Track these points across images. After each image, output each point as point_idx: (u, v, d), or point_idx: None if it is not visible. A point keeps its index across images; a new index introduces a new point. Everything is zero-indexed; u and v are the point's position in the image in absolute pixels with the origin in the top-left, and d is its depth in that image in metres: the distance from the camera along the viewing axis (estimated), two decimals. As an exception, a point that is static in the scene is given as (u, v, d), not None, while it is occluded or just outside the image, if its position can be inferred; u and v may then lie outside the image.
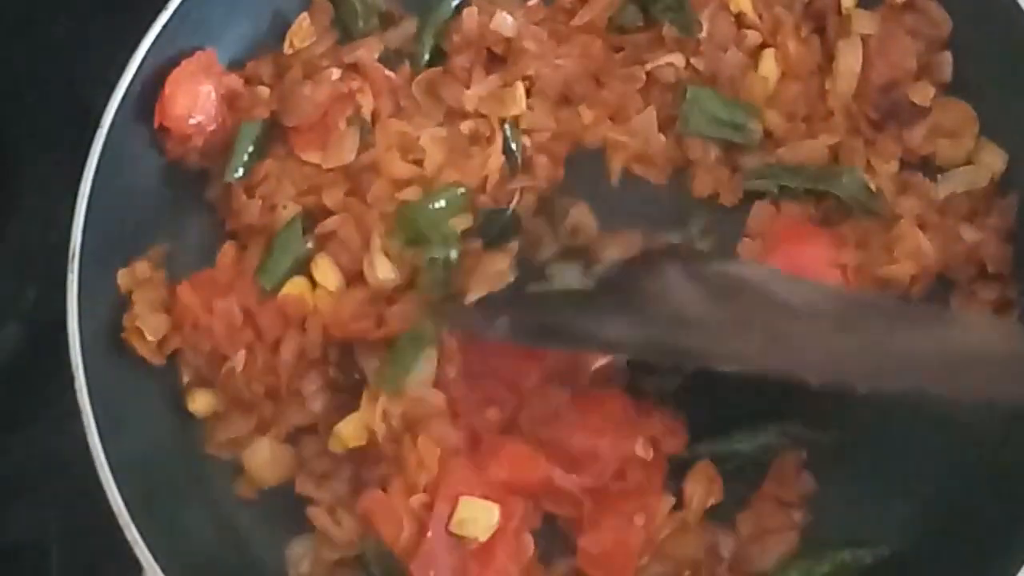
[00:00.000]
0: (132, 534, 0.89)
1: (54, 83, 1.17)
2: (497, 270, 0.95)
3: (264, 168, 1.02)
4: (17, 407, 1.09)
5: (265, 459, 0.97)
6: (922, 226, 0.97)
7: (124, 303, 0.99)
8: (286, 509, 0.96)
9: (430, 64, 1.06)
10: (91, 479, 0.90)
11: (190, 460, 0.99)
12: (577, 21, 1.05)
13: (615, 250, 0.94)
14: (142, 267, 1.00)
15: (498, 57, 1.06)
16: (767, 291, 0.86)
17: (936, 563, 0.91)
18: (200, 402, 0.99)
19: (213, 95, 1.02)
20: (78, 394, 0.92)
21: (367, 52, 1.04)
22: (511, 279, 0.94)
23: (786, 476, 0.94)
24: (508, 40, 1.05)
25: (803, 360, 0.83)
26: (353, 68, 1.04)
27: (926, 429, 0.93)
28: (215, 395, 0.99)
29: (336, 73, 1.03)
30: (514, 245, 0.97)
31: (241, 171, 1.03)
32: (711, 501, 0.93)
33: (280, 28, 1.08)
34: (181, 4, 1.01)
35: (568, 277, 0.93)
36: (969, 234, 0.97)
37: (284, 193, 1.01)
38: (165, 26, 1.00)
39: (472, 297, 0.94)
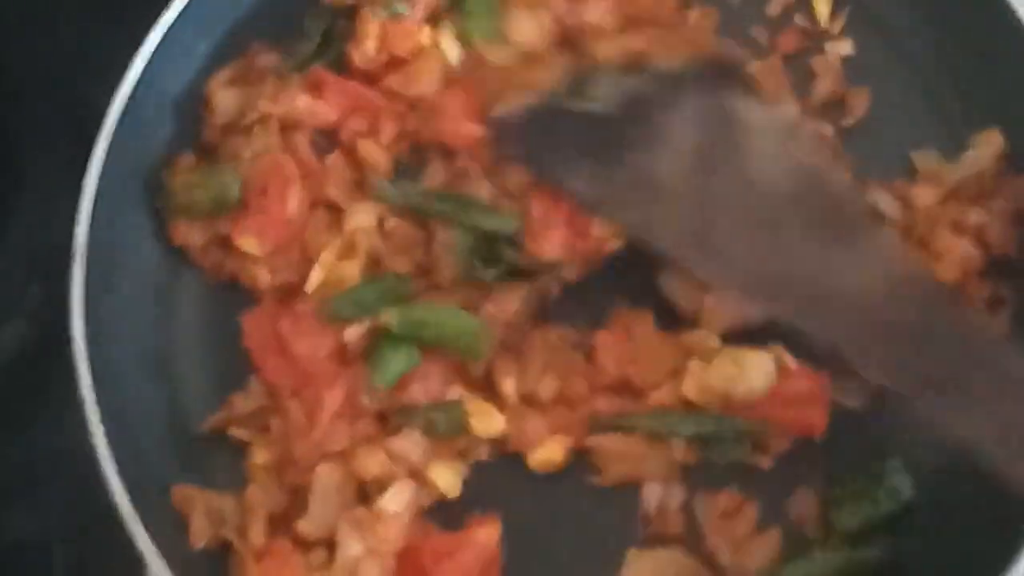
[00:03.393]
0: (135, 532, 0.88)
1: (57, 82, 1.16)
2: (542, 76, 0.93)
3: None
4: (20, 406, 1.09)
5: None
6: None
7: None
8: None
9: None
10: (94, 477, 0.90)
11: (193, 457, 0.99)
12: None
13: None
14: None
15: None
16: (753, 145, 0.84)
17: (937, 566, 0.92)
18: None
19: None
20: (80, 393, 0.92)
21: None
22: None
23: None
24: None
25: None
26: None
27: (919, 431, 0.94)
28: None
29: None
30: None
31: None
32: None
33: (281, 27, 1.08)
34: (184, 4, 1.01)
35: (603, 90, 0.90)
36: (975, 217, 0.98)
37: None
38: (168, 27, 1.01)
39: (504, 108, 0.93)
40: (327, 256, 1.00)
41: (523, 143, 0.92)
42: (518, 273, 0.98)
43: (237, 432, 0.98)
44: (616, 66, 0.93)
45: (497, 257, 0.98)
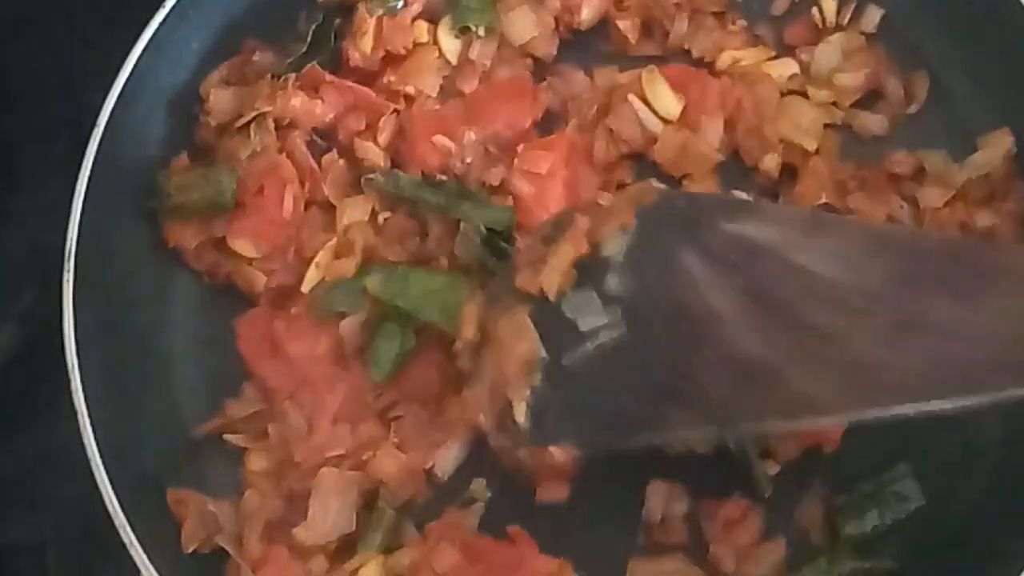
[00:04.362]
0: (128, 536, 0.88)
1: (50, 83, 1.17)
2: (521, 349, 0.83)
3: None
4: (13, 408, 1.09)
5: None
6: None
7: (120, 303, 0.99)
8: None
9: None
10: (87, 480, 0.89)
11: (187, 462, 0.98)
12: None
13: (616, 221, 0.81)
14: None
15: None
16: (791, 263, 0.72)
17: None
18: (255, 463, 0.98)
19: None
20: (74, 395, 0.91)
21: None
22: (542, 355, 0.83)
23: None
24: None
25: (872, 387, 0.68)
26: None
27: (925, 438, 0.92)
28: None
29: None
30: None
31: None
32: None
33: (276, 26, 1.08)
34: (177, 3, 1.00)
35: (589, 310, 0.80)
36: (984, 219, 0.96)
37: None
38: (161, 25, 1.00)
39: (520, 412, 0.82)
40: (324, 256, 0.99)
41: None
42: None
43: (233, 438, 0.98)
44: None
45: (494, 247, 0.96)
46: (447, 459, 0.96)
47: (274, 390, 0.97)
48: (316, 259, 0.99)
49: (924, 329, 0.68)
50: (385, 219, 1.01)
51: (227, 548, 0.92)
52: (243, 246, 1.00)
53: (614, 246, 0.81)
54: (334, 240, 1.00)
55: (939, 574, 0.90)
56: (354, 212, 1.01)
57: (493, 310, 0.86)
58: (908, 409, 0.68)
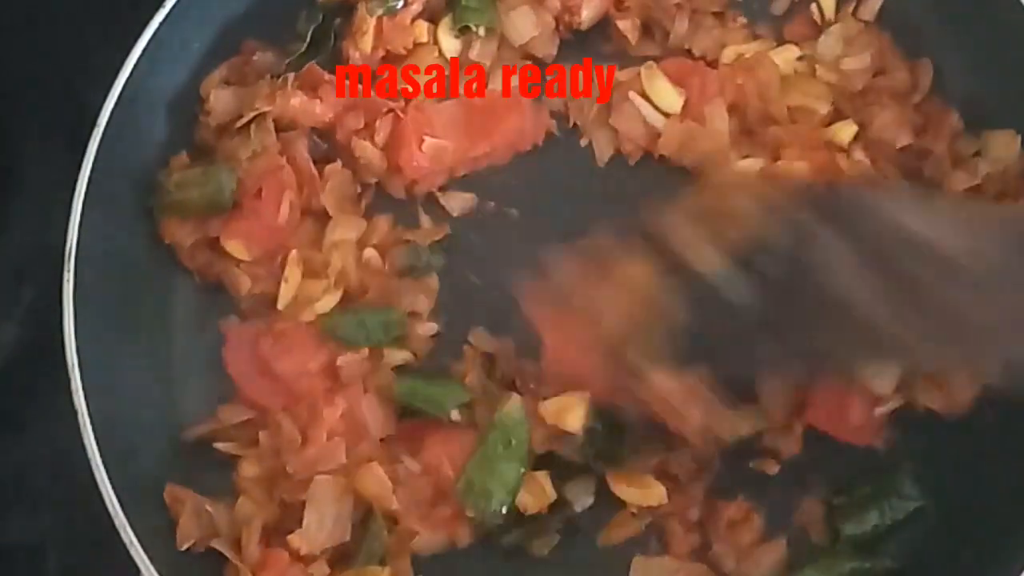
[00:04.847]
0: (128, 536, 0.88)
1: (51, 83, 1.16)
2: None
3: None
4: (13, 409, 1.08)
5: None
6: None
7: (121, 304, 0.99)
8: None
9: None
10: (87, 481, 0.89)
11: (187, 462, 0.98)
12: None
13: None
14: None
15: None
16: (934, 248, 0.77)
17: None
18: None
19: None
20: (74, 396, 0.91)
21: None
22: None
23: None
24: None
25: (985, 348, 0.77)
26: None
27: (925, 437, 0.93)
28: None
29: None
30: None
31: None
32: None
33: (276, 26, 1.07)
34: (177, 3, 1.00)
35: (734, 287, 0.82)
36: None
37: None
38: (161, 25, 1.00)
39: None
40: (292, 271, 0.99)
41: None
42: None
43: (224, 446, 0.97)
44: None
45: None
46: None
47: (264, 406, 0.97)
48: (285, 274, 0.99)
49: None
50: (368, 259, 1.01)
51: (224, 552, 0.92)
52: (236, 247, 1.00)
53: (759, 224, 0.83)
54: (295, 253, 0.99)
55: (939, 574, 0.90)
56: (346, 230, 1.01)
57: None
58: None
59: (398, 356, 0.98)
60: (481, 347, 0.99)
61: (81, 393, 0.91)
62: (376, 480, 0.92)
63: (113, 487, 0.89)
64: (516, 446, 0.91)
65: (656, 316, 0.83)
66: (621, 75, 1.06)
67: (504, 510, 0.91)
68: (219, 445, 0.97)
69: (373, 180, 1.05)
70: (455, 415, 0.94)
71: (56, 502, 1.05)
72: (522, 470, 0.91)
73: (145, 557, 0.88)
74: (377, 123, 1.03)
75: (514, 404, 0.92)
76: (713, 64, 1.07)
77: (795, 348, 0.82)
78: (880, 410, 0.93)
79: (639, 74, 1.04)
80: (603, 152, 1.06)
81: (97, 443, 0.90)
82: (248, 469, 0.96)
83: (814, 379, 0.89)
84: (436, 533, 0.93)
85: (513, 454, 0.91)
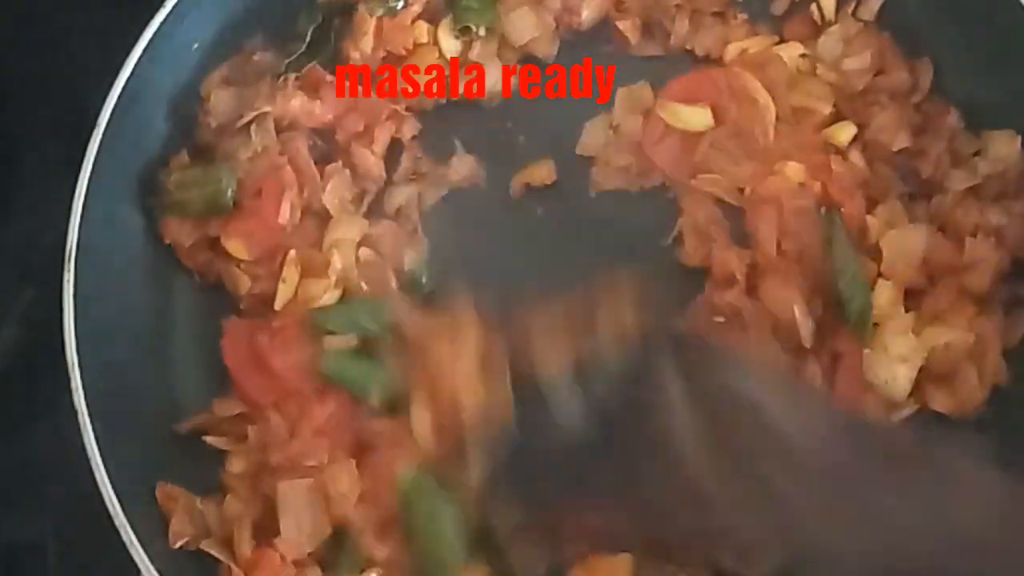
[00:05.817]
0: (128, 535, 0.88)
1: (51, 82, 1.16)
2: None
3: None
4: (13, 409, 1.08)
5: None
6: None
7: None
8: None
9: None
10: (87, 480, 0.89)
11: (187, 461, 0.98)
12: None
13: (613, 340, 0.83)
14: None
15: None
16: (766, 420, 0.76)
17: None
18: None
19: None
20: (74, 395, 0.91)
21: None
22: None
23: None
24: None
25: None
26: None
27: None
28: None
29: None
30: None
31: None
32: None
33: (276, 25, 1.08)
34: (177, 3, 1.00)
35: (568, 407, 0.81)
36: (995, 218, 0.96)
37: None
38: (161, 24, 1.00)
39: (477, 470, 0.84)
40: (290, 271, 0.99)
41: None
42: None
43: (214, 440, 0.97)
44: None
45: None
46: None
47: (257, 402, 0.96)
48: (283, 274, 0.98)
49: (872, 515, 0.71)
50: (366, 259, 1.00)
51: (214, 553, 0.91)
52: (236, 247, 1.00)
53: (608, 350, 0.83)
54: (293, 253, 0.99)
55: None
56: (348, 229, 1.01)
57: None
58: None
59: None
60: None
61: (81, 393, 0.91)
62: (347, 481, 0.90)
63: (113, 487, 0.89)
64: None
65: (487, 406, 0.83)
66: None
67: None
68: (209, 439, 0.97)
69: (374, 187, 1.05)
70: (375, 401, 0.92)
71: (56, 502, 1.05)
72: None
73: (145, 556, 0.88)
74: (376, 130, 1.03)
75: None
76: (719, 62, 1.07)
77: (615, 489, 0.79)
78: (896, 416, 0.93)
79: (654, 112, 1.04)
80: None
81: (97, 443, 0.90)
82: (236, 465, 0.96)
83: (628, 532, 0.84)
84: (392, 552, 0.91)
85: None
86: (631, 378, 0.80)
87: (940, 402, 0.94)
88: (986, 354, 0.94)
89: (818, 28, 1.08)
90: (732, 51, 1.07)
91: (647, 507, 0.78)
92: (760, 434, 0.75)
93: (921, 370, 0.94)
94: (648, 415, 0.78)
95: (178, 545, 0.92)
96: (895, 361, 0.94)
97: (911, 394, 0.94)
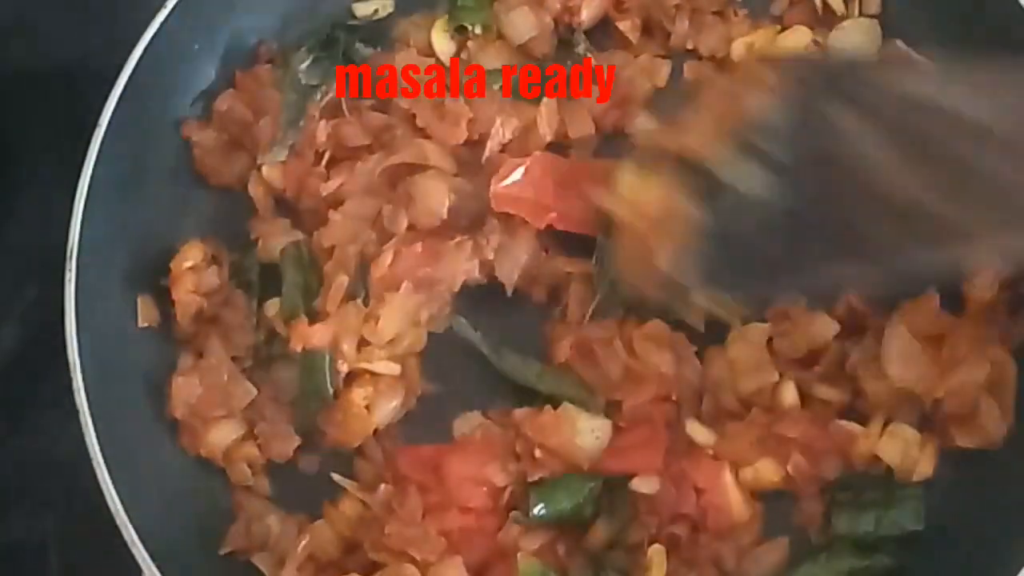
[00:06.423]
0: (129, 535, 0.88)
1: (52, 82, 1.16)
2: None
3: None
4: (15, 407, 1.09)
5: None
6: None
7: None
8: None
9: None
10: (89, 479, 0.90)
11: (187, 460, 0.98)
12: None
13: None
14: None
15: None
16: (958, 114, 0.75)
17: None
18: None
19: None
20: (76, 394, 0.92)
21: None
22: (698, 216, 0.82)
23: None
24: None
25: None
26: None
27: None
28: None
29: None
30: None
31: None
32: None
33: (277, 25, 1.08)
34: (177, 3, 1.00)
35: (750, 180, 0.80)
36: None
37: None
38: (163, 24, 1.00)
39: (665, 259, 0.84)
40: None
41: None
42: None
43: (340, 479, 0.97)
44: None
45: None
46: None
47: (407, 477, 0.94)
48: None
49: None
50: None
51: (264, 570, 0.93)
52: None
53: (762, 108, 0.82)
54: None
55: (939, 574, 0.90)
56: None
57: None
58: None
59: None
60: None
61: (82, 393, 0.92)
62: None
63: (114, 486, 0.89)
64: None
65: (682, 225, 0.82)
66: None
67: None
68: (336, 477, 0.97)
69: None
70: None
71: (57, 501, 1.05)
72: None
73: (146, 556, 0.88)
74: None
75: None
76: (725, 61, 1.07)
77: (837, 247, 0.80)
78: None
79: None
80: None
81: (98, 442, 0.91)
82: (350, 507, 0.95)
83: (863, 282, 0.86)
84: None
85: None
86: (801, 126, 0.79)
87: (963, 438, 0.92)
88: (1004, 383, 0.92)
89: (820, 22, 1.07)
90: (738, 48, 1.06)
91: (861, 245, 0.78)
92: (951, 125, 0.75)
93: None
94: (833, 153, 0.78)
95: (224, 552, 0.94)
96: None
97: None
